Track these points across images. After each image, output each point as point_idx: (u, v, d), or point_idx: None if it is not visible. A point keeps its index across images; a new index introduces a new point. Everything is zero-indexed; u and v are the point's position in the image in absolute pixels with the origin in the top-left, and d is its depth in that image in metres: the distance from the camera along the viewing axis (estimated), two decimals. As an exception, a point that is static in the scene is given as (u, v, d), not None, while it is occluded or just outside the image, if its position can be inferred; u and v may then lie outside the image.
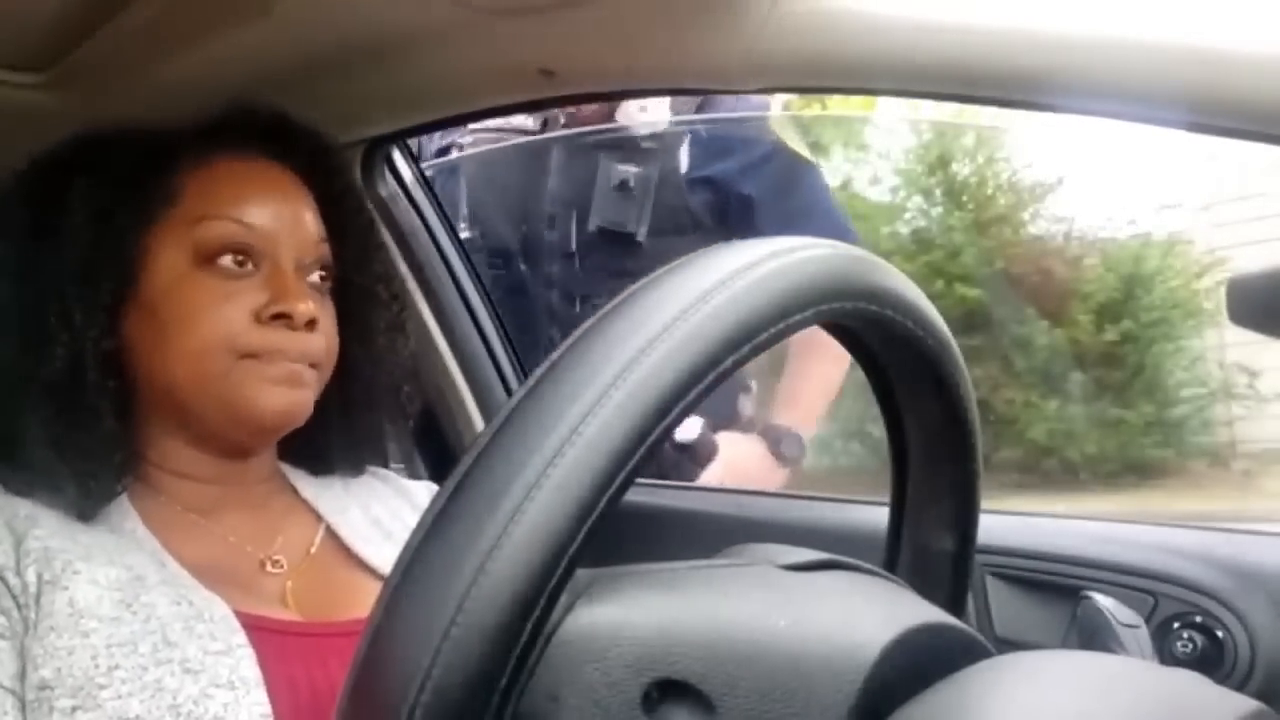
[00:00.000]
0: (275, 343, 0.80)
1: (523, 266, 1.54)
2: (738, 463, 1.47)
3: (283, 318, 0.80)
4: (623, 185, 1.45)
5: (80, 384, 0.79)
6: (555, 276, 1.51)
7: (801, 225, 1.49)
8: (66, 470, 0.78)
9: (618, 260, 1.47)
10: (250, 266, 0.81)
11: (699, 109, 1.52)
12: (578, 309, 1.49)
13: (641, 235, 1.46)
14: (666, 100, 1.48)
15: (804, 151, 1.59)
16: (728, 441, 1.48)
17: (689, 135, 1.52)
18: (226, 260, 0.81)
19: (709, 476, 1.44)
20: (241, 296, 0.80)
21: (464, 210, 1.55)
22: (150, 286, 0.81)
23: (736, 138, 1.56)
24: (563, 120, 1.52)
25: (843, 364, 1.52)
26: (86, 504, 0.78)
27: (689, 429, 1.42)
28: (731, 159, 1.53)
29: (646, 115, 1.48)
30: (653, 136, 1.48)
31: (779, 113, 1.60)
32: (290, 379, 0.81)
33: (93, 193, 0.82)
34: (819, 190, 1.62)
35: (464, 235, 1.49)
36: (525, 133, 1.54)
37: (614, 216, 1.45)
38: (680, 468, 1.44)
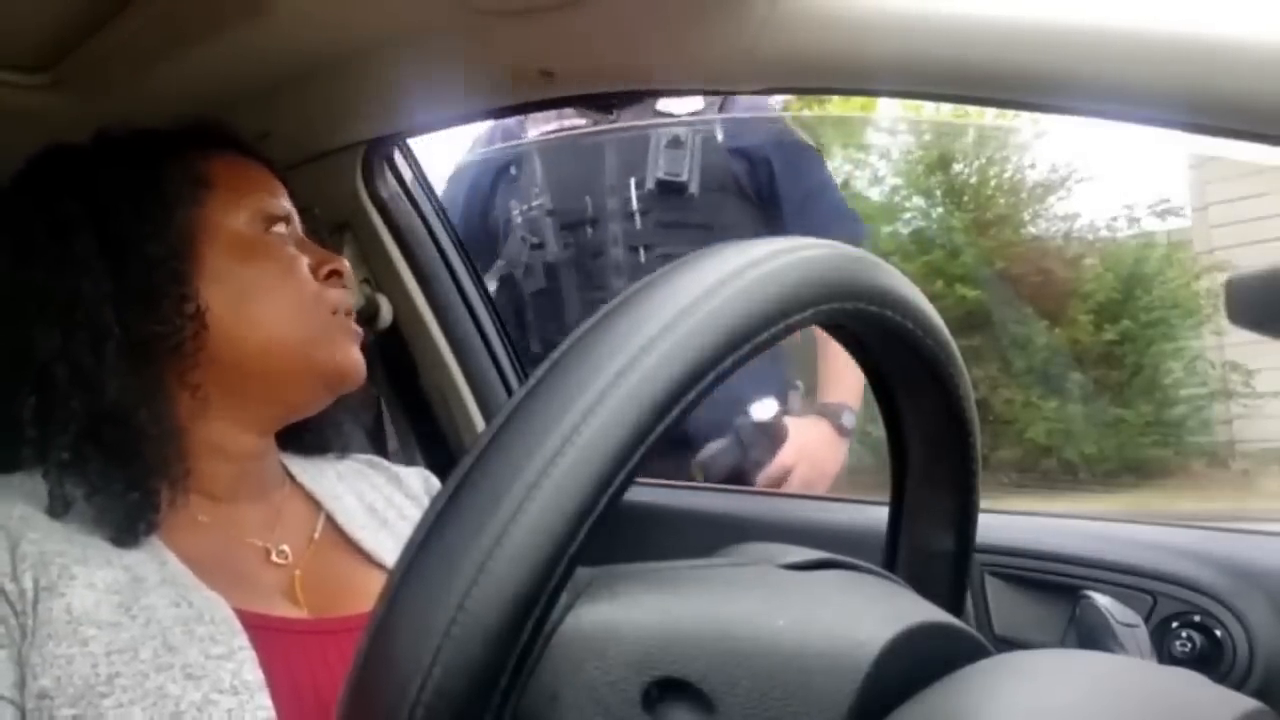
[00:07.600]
0: (343, 299, 0.87)
1: (589, 231, 1.73)
2: (809, 441, 1.60)
3: (336, 275, 0.87)
4: (675, 141, 1.68)
5: (138, 376, 0.78)
6: (620, 234, 1.72)
7: (816, 197, 1.72)
8: (120, 484, 0.75)
9: (673, 213, 1.68)
10: (286, 233, 0.88)
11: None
12: (642, 259, 1.68)
13: (694, 188, 1.66)
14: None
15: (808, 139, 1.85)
16: (794, 424, 1.61)
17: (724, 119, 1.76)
18: (280, 228, 0.87)
19: (785, 455, 1.55)
20: (298, 258, 0.86)
21: (539, 192, 1.75)
22: (218, 259, 0.82)
23: (760, 121, 1.81)
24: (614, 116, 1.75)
25: None
26: (137, 520, 0.75)
27: (767, 409, 1.55)
28: (758, 137, 1.76)
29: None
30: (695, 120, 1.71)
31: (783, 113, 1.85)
32: (356, 334, 0.87)
33: (128, 181, 0.83)
34: (825, 170, 1.87)
35: (538, 206, 1.72)
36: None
37: (670, 168, 1.67)
38: (758, 445, 1.55)
